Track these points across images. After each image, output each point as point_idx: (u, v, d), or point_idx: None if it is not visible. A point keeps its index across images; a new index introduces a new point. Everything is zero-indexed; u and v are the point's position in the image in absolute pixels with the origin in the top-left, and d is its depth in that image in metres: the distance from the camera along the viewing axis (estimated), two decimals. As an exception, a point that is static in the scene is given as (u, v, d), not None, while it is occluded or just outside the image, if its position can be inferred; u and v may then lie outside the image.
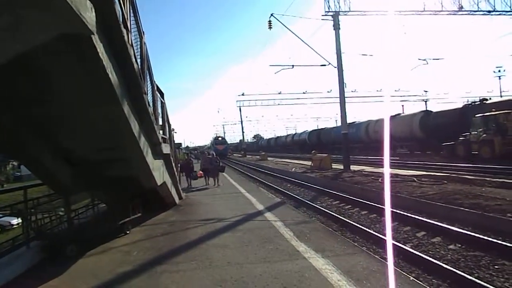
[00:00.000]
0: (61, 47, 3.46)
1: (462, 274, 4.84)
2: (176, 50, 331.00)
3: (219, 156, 19.91)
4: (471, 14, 21.31)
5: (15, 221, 22.40)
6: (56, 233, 6.39)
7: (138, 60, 5.64)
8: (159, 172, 7.50)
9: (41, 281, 4.54)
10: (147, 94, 6.42)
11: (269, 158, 40.31)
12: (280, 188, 16.17)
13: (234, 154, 70.82)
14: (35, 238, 5.84)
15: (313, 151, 23.37)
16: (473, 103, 25.34)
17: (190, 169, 16.92)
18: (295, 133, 67.12)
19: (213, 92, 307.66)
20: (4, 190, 8.36)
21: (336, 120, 64.89)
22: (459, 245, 6.21)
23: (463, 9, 20.87)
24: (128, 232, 7.09)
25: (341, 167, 19.45)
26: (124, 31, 4.43)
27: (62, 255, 5.58)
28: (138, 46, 5.87)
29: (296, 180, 18.13)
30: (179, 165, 16.09)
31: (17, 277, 4.80)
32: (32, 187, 6.47)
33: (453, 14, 21.33)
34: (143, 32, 6.18)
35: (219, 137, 69.52)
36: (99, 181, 6.91)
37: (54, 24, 2.86)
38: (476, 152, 19.85)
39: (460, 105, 27.89)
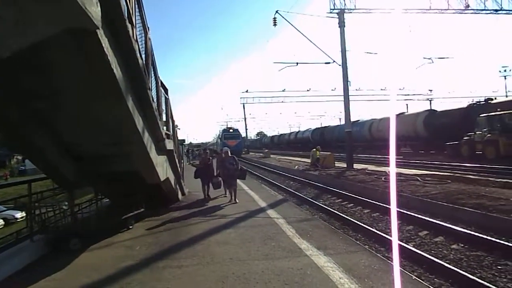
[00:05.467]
0: (66, 42, 3.47)
1: (465, 273, 4.83)
2: (174, 45, 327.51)
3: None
4: (478, 13, 21.18)
5: (19, 214, 22.64)
6: (59, 227, 6.42)
7: (143, 56, 5.63)
8: (162, 168, 7.50)
9: (44, 274, 4.57)
10: (151, 90, 6.41)
11: (272, 156, 40.33)
12: (282, 186, 16.21)
13: None
14: (39, 232, 5.87)
15: (317, 147, 23.29)
16: (478, 103, 25.18)
17: (211, 173, 11.20)
18: (299, 131, 66.93)
19: (215, 88, 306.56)
20: (8, 183, 8.40)
21: (339, 119, 64.76)
22: (462, 245, 6.20)
23: (469, 8, 20.73)
24: (131, 227, 7.10)
25: (344, 165, 19.41)
26: (129, 26, 4.42)
27: (65, 249, 5.61)
28: (143, 41, 5.85)
29: (299, 178, 18.12)
30: (190, 164, 14.75)
31: (21, 270, 4.83)
32: (36, 181, 6.50)
33: (460, 13, 21.20)
34: (148, 27, 6.17)
35: (230, 128, 49.16)
36: (102, 176, 6.93)
37: (59, 18, 2.86)
38: (480, 152, 19.72)
39: (465, 104, 27.70)
